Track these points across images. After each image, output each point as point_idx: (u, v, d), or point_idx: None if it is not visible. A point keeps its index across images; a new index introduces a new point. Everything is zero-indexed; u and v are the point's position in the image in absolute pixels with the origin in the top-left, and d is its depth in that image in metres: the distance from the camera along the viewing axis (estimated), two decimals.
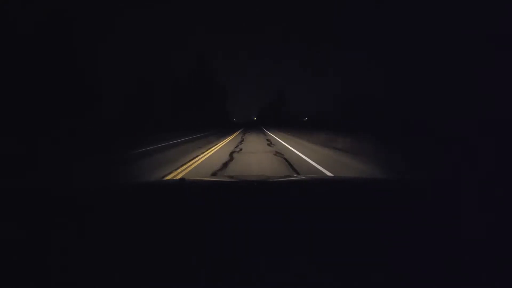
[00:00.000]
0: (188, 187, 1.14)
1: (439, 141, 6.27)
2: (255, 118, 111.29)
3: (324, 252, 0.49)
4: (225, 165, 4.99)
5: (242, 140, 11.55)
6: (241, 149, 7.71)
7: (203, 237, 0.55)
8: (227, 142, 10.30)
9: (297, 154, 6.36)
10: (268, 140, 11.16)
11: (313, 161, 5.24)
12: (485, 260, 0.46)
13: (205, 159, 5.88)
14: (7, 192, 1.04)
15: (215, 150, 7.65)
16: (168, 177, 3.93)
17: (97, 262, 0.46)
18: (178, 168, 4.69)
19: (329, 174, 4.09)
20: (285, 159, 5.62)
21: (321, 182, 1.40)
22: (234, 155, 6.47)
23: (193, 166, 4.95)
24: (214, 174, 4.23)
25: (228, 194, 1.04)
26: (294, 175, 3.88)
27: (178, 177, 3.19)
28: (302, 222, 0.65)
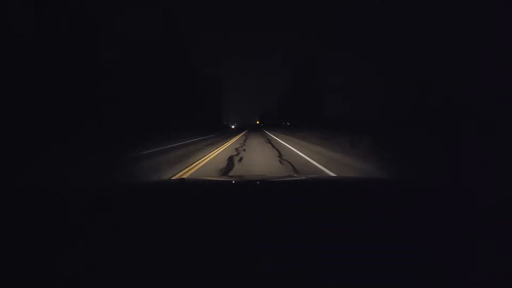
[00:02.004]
0: (187, 187, 1.14)
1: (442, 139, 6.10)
2: (257, 122, 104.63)
3: (325, 252, 0.49)
4: None
5: None
6: None
7: (202, 238, 0.55)
8: None
9: None
10: None
11: None
12: (485, 260, 0.46)
13: None
14: (7, 192, 1.05)
15: None
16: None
17: (95, 262, 0.46)
18: None
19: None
20: None
21: (321, 182, 1.40)
22: None
23: None
24: None
25: (228, 194, 1.04)
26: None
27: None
28: (303, 222, 0.65)
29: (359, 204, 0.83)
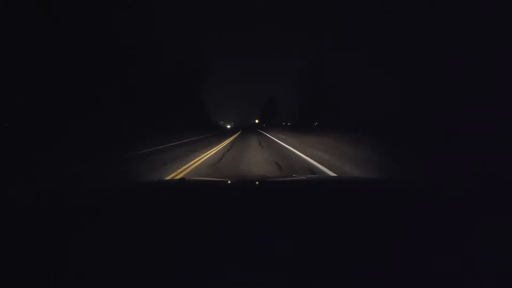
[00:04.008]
0: (188, 188, 1.15)
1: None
2: (256, 121, 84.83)
3: (324, 252, 0.49)
4: None
5: None
6: None
7: (203, 238, 0.55)
8: None
9: None
10: None
11: None
12: (484, 261, 0.46)
13: None
14: (9, 192, 1.05)
15: None
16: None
17: (97, 262, 0.46)
18: None
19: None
20: None
21: (321, 182, 1.40)
22: None
23: None
24: None
25: (229, 195, 1.05)
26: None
27: None
28: (302, 222, 0.66)
29: (359, 204, 0.84)
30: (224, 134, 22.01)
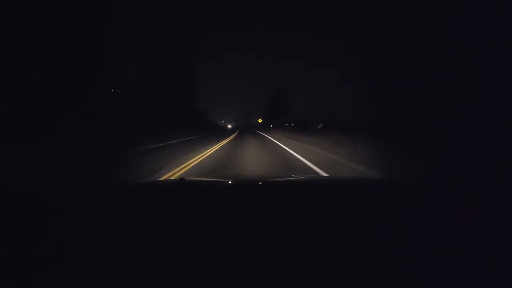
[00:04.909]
0: (188, 187, 1.15)
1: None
2: (259, 120, 61.70)
3: (323, 251, 0.50)
4: None
5: None
6: None
7: (203, 237, 0.56)
8: None
9: None
10: None
11: None
12: (484, 261, 0.46)
13: None
14: (6, 192, 1.05)
15: None
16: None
17: (96, 262, 0.46)
18: None
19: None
20: None
21: (320, 182, 1.41)
22: None
23: None
24: None
25: (228, 195, 1.05)
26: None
27: None
28: (302, 221, 0.66)
29: (358, 204, 0.84)
30: (207, 139, 14.61)
